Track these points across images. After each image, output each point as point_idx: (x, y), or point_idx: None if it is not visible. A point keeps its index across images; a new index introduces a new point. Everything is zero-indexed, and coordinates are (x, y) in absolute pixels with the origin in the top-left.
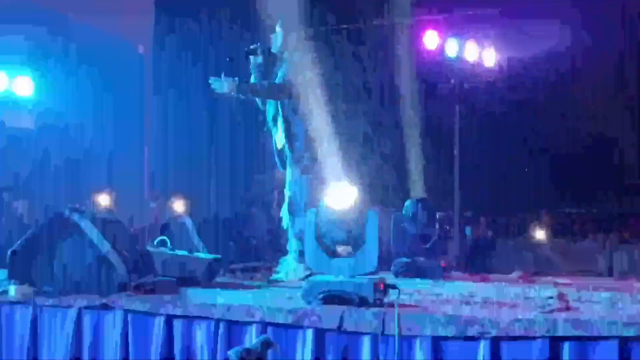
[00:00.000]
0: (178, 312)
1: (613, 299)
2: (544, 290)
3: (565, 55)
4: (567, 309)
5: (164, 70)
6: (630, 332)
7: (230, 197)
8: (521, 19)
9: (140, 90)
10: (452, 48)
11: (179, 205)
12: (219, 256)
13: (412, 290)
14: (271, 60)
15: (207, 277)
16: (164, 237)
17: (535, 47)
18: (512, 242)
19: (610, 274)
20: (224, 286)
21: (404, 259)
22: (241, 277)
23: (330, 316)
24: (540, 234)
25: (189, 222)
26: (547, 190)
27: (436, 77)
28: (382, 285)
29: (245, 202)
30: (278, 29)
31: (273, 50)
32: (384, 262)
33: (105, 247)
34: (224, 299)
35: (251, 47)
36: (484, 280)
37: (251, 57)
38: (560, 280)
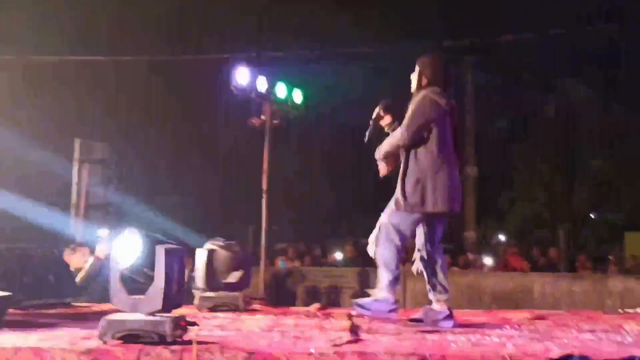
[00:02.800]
0: None
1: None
2: (339, 322)
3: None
4: (357, 341)
5: None
6: None
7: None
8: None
9: None
10: (262, 85)
11: None
12: (9, 293)
13: (213, 325)
14: None
15: None
16: None
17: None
18: (318, 272)
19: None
20: (14, 326)
21: (209, 294)
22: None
23: (127, 355)
24: (340, 263)
25: None
26: (350, 219)
27: (248, 113)
28: (182, 323)
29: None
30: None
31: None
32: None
33: None
34: (11, 341)
35: (374, 113)
36: (284, 313)
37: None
38: (353, 311)
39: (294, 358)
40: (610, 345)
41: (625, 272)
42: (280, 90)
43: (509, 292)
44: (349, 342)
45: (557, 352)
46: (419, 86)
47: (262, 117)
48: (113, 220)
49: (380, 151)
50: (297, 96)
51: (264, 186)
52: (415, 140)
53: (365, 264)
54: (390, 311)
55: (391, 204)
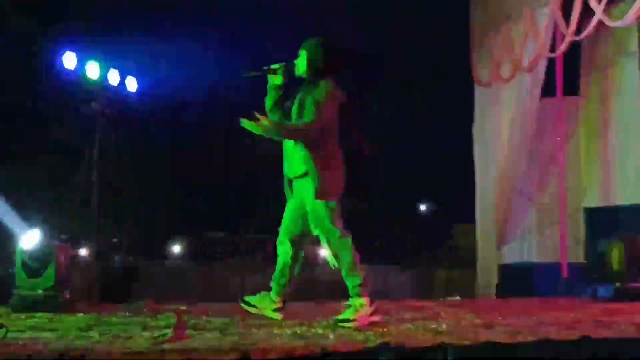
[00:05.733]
0: None
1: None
2: (164, 319)
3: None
4: (181, 337)
5: None
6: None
7: None
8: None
9: None
10: (93, 71)
11: None
12: None
13: (26, 327)
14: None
15: None
16: None
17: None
18: (156, 267)
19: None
20: None
21: (25, 293)
22: None
23: None
24: (179, 257)
25: None
26: (188, 214)
27: (77, 100)
28: None
29: None
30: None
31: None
32: None
33: None
34: None
35: (272, 66)
36: (109, 311)
37: (270, 76)
38: (183, 307)
39: (111, 358)
40: (425, 334)
41: (452, 262)
42: (113, 77)
43: (342, 283)
44: (172, 339)
45: (375, 341)
46: (316, 73)
47: (92, 104)
48: None
49: (283, 129)
50: (131, 84)
51: (94, 178)
52: (322, 131)
53: (206, 258)
54: (372, 314)
55: (314, 205)
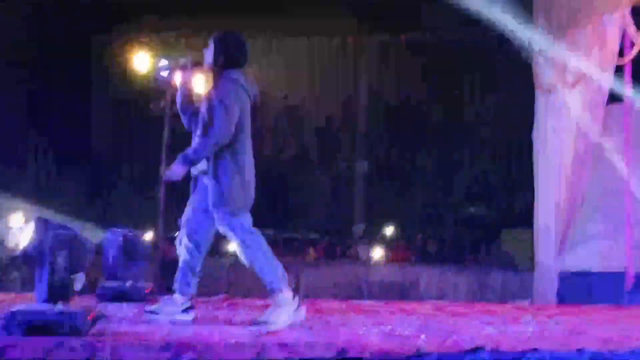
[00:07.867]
0: None
1: None
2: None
3: None
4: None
5: None
6: None
7: None
8: None
9: None
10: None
11: None
12: None
13: (119, 317)
14: None
15: None
16: None
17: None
18: (209, 262)
19: None
20: None
21: (110, 284)
22: None
23: (34, 349)
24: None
25: None
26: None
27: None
28: (91, 315)
29: None
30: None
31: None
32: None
33: None
34: None
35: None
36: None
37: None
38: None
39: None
40: (513, 338)
41: (501, 266)
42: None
43: (396, 284)
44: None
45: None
46: (218, 66)
47: (162, 104)
48: None
49: (196, 156)
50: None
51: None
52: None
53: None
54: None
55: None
